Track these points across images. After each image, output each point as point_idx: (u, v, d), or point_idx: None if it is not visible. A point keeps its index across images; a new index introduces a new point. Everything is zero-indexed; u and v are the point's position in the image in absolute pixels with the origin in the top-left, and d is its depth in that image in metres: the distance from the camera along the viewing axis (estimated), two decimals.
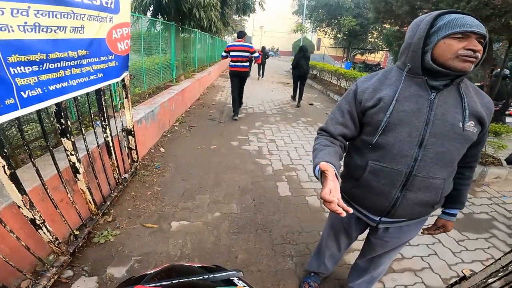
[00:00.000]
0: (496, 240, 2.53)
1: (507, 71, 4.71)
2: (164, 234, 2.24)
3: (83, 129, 2.03)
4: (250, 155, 3.96)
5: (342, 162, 1.26)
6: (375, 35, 20.99)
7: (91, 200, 2.10)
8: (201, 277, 0.57)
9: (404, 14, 5.02)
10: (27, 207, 1.46)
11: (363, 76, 1.20)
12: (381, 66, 19.76)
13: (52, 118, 2.16)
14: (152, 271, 0.64)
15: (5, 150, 1.32)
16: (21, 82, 1.29)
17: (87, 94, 1.96)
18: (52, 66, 1.45)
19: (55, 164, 1.72)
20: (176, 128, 4.84)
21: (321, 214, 2.66)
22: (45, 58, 1.39)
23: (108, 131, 2.31)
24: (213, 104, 6.98)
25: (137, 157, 3.09)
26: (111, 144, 2.39)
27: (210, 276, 0.59)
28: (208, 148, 4.06)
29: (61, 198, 1.88)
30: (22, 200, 1.43)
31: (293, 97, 8.04)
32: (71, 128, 1.82)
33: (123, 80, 2.43)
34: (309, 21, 23.94)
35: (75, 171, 1.91)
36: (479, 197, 3.31)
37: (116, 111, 2.71)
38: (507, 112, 4.87)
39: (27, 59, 1.29)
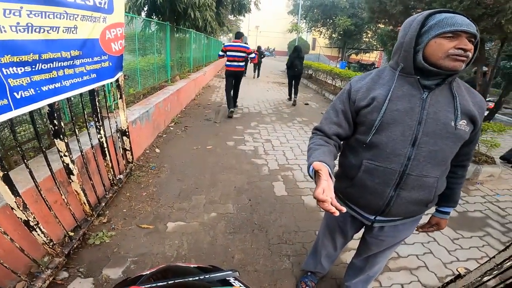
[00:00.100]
0: (490, 239, 2.55)
1: (485, 68, 4.76)
2: (160, 235, 2.23)
3: (76, 130, 2.02)
4: (246, 155, 3.96)
5: (337, 162, 1.27)
6: (369, 35, 21.15)
7: (85, 202, 2.09)
8: (197, 278, 0.57)
9: (398, 14, 5.05)
10: (21, 208, 1.45)
11: (357, 76, 1.21)
12: (376, 66, 19.89)
13: (45, 119, 2.13)
14: (148, 272, 0.64)
15: None
16: (14, 83, 1.27)
17: (81, 94, 1.95)
18: (45, 66, 1.44)
19: (49, 165, 1.71)
20: (171, 128, 4.82)
21: (317, 213, 2.67)
22: (37, 58, 1.38)
23: (102, 132, 2.30)
24: (208, 104, 6.97)
25: (132, 158, 3.07)
26: (105, 145, 2.37)
27: (206, 276, 0.58)
28: (204, 149, 4.06)
29: (55, 199, 1.87)
30: (15, 202, 1.41)
31: (289, 97, 8.15)
32: (65, 129, 1.81)
33: (117, 80, 2.42)
34: (304, 21, 24.04)
35: (69, 172, 1.89)
36: (473, 196, 3.34)
37: (111, 111, 2.69)
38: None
39: (19, 59, 1.28)
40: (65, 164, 1.85)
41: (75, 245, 1.93)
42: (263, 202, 2.81)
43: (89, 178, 2.19)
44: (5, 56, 1.22)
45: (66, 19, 1.54)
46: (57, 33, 1.49)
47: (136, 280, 0.61)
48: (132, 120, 3.22)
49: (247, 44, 6.43)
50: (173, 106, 5.20)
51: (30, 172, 1.55)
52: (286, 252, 2.16)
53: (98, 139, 2.31)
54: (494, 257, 1.23)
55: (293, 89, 7.70)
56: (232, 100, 5.97)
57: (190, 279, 0.57)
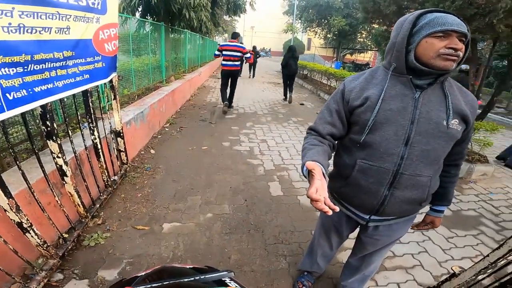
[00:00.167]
0: (484, 237, 2.57)
1: (464, 66, 4.81)
2: (155, 236, 2.22)
3: (69, 131, 2.00)
4: (241, 156, 3.95)
5: (331, 161, 1.27)
6: (364, 35, 21.30)
7: (79, 203, 2.07)
8: (192, 278, 0.58)
9: (392, 14, 5.09)
10: (14, 210, 1.43)
11: (351, 76, 1.21)
12: (370, 66, 20.03)
13: (37, 120, 2.11)
14: (143, 273, 0.64)
15: None
16: (6, 84, 1.26)
17: (74, 95, 1.93)
18: (37, 67, 1.43)
19: (41, 167, 1.70)
20: (166, 129, 4.80)
21: (313, 213, 2.68)
22: (30, 59, 1.37)
23: (96, 133, 2.28)
24: (203, 104, 6.95)
25: (127, 159, 3.06)
26: (99, 146, 2.35)
27: (202, 277, 0.59)
28: (199, 149, 4.04)
29: (49, 201, 1.85)
30: (8, 204, 1.40)
31: (285, 97, 8.25)
32: (57, 130, 1.79)
33: (111, 81, 2.41)
34: (300, 21, 24.12)
35: (62, 174, 1.88)
36: (467, 194, 3.37)
37: (104, 112, 2.67)
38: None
39: (11, 60, 1.27)
40: (58, 165, 1.83)
41: (69, 247, 1.92)
42: (259, 202, 2.81)
43: (83, 180, 2.17)
44: None
45: (59, 19, 1.53)
46: (49, 33, 1.48)
47: (131, 281, 0.61)
48: (126, 121, 3.20)
49: (242, 44, 6.46)
50: (168, 106, 5.18)
51: (23, 174, 1.53)
52: (282, 252, 2.16)
53: (92, 140, 2.30)
54: (488, 255, 1.24)
55: (288, 88, 7.91)
56: (226, 94, 6.12)
57: (185, 280, 0.57)
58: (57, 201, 1.85)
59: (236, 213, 2.61)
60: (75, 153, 2.05)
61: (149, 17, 6.70)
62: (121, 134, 2.84)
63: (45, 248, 1.67)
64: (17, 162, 1.50)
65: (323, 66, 12.43)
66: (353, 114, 1.12)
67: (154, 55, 5.84)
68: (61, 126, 2.41)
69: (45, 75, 1.50)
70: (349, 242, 1.84)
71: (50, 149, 1.77)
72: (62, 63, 1.62)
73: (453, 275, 1.42)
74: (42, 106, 1.60)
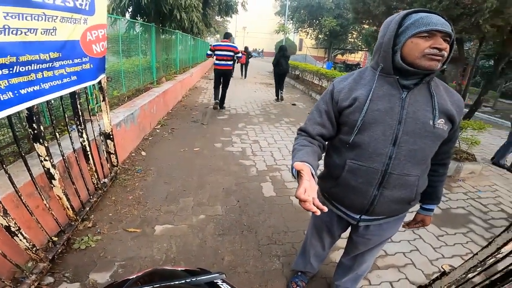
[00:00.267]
0: (474, 235, 2.61)
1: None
2: (147, 238, 2.20)
3: (57, 133, 1.97)
4: (233, 157, 3.95)
5: (322, 162, 1.28)
6: (354, 36, 21.53)
7: (68, 206, 2.04)
8: (183, 281, 0.57)
9: (381, 14, 5.13)
10: (1, 214, 1.41)
11: (340, 77, 1.22)
12: (361, 66, 20.26)
13: (24, 123, 2.08)
14: (134, 276, 0.64)
15: None
16: None
17: (61, 97, 1.90)
18: (23, 69, 1.41)
19: (29, 170, 1.67)
20: (157, 131, 4.76)
21: (305, 213, 2.69)
22: (15, 61, 1.35)
23: (84, 135, 2.25)
24: (195, 106, 6.91)
25: (117, 161, 3.02)
26: (88, 149, 2.32)
27: (193, 279, 0.59)
28: (191, 151, 4.02)
29: (37, 204, 1.82)
30: None
31: (277, 97, 8.35)
32: (44, 133, 1.76)
33: (99, 82, 2.38)
34: (291, 21, 24.26)
35: (50, 177, 1.85)
36: (455, 192, 3.42)
37: (93, 114, 2.64)
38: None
39: None
40: (45, 168, 1.80)
41: (59, 250, 1.89)
42: (252, 203, 2.81)
43: (71, 183, 2.14)
44: None
45: (45, 20, 1.51)
46: (35, 35, 1.46)
47: (122, 284, 0.60)
48: (116, 123, 3.16)
49: (234, 44, 6.53)
50: (159, 108, 5.14)
51: (10, 177, 1.51)
52: (276, 253, 2.16)
53: (81, 142, 2.26)
54: (476, 254, 1.25)
55: (279, 86, 8.13)
56: (219, 93, 6.31)
57: (177, 282, 0.57)
58: (46, 205, 1.82)
59: (229, 214, 2.60)
60: (63, 156, 2.02)
61: (139, 18, 6.64)
62: (111, 136, 2.80)
63: (34, 252, 1.65)
64: (4, 165, 1.47)
65: (315, 67, 12.50)
66: (342, 115, 1.13)
67: (145, 56, 5.79)
68: (49, 128, 2.36)
69: (31, 76, 1.48)
70: (342, 242, 1.84)
71: (37, 152, 1.74)
72: (49, 65, 1.60)
73: (444, 274, 1.43)
74: (29, 108, 1.57)
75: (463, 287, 1.42)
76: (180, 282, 0.57)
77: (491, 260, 1.21)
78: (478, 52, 4.85)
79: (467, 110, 4.56)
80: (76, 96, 2.07)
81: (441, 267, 1.47)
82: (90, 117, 2.53)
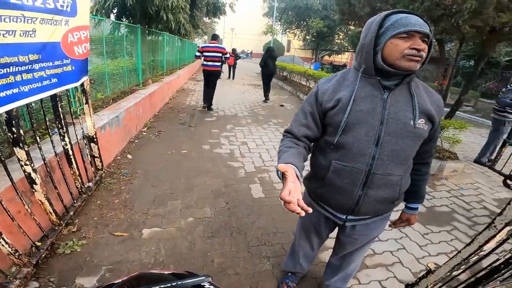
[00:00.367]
0: (458, 232, 2.67)
1: None
2: (135, 242, 2.17)
3: (38, 137, 1.92)
4: (222, 159, 3.94)
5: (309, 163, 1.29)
6: (341, 37, 21.84)
7: (51, 211, 2.00)
8: (169, 284, 0.58)
9: (366, 16, 5.17)
10: None
11: (324, 78, 1.23)
12: (348, 67, 20.56)
13: (3, 127, 2.01)
14: (119, 280, 0.63)
15: None
16: None
17: (41, 100, 1.86)
18: (1, 71, 1.38)
19: (9, 175, 1.62)
20: (144, 133, 4.69)
21: (294, 214, 2.68)
22: None
23: (66, 139, 2.20)
24: (183, 108, 6.84)
25: (102, 165, 2.97)
26: (70, 153, 2.27)
27: (179, 283, 0.59)
28: (179, 153, 3.98)
29: (18, 209, 1.78)
30: None
31: (265, 99, 8.40)
32: (25, 137, 1.71)
33: (82, 85, 2.33)
34: (279, 23, 24.39)
35: (31, 181, 1.80)
36: (439, 191, 3.50)
37: (76, 117, 2.58)
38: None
39: None
40: (26, 173, 1.76)
41: (43, 255, 1.86)
42: (241, 205, 2.81)
43: (54, 187, 2.09)
44: None
45: (24, 22, 1.48)
46: (14, 36, 1.43)
47: None
48: (100, 125, 3.10)
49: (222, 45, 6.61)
50: (145, 110, 5.07)
51: None
52: (266, 254, 2.17)
53: (63, 146, 2.21)
54: (460, 251, 1.27)
55: (266, 87, 8.26)
56: (208, 97, 6.50)
57: (163, 286, 0.57)
58: (27, 210, 1.78)
59: (217, 216, 2.59)
60: (44, 160, 1.97)
61: (124, 19, 6.53)
62: (95, 140, 2.75)
63: (17, 257, 1.62)
64: None
65: (302, 68, 12.62)
66: (326, 116, 1.13)
67: (130, 57, 5.71)
68: (30, 132, 2.30)
69: (9, 79, 1.44)
70: (331, 242, 1.85)
71: (18, 157, 1.69)
72: (28, 67, 1.56)
73: (429, 272, 1.44)
74: (7, 112, 1.53)
75: (450, 285, 1.44)
76: (166, 285, 0.57)
77: (474, 258, 1.23)
78: (458, 53, 4.98)
79: (449, 109, 4.68)
80: (57, 98, 2.03)
81: (427, 265, 1.49)
82: (73, 120, 2.47)
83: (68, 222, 2.24)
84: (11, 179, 1.64)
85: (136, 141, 4.30)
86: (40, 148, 1.93)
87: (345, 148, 1.10)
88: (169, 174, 3.32)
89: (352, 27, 12.01)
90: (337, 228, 1.45)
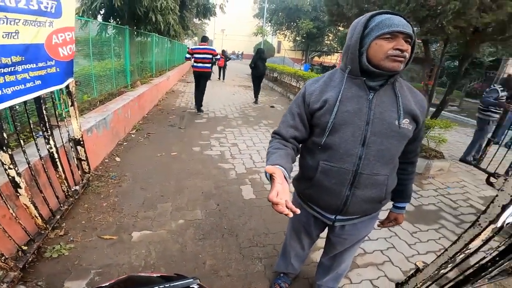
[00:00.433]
0: (445, 231, 2.72)
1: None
2: (125, 245, 2.15)
3: (22, 140, 1.88)
4: (212, 160, 3.92)
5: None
6: (330, 38, 22.05)
7: (37, 215, 1.96)
8: (157, 287, 0.57)
9: (354, 17, 5.19)
10: None
11: (311, 79, 1.23)
12: (337, 68, 20.78)
13: None
14: (107, 283, 0.63)
15: None
16: None
17: (25, 102, 1.82)
18: None
19: None
20: (132, 136, 4.63)
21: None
22: None
23: (51, 142, 2.16)
24: (172, 109, 6.78)
25: (89, 168, 2.92)
26: (56, 156, 2.23)
27: (167, 285, 0.59)
28: (168, 155, 3.95)
29: (3, 214, 1.75)
30: None
31: (255, 100, 8.45)
32: (8, 140, 1.68)
33: (67, 87, 2.29)
34: (270, 24, 24.49)
35: (16, 185, 1.77)
36: (426, 189, 3.56)
37: (61, 120, 2.53)
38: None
39: None
40: (10, 177, 1.72)
41: (29, 259, 1.83)
42: (232, 206, 2.80)
43: (39, 191, 2.05)
44: None
45: (6, 24, 1.46)
46: None
47: None
48: (87, 128, 3.05)
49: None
50: (134, 112, 5.00)
51: None
52: (257, 255, 2.16)
53: (48, 149, 2.17)
54: (446, 250, 1.27)
55: (256, 88, 8.32)
56: (198, 100, 6.57)
57: None
58: (12, 214, 1.75)
59: (209, 218, 2.58)
60: (28, 163, 1.93)
61: (112, 20, 6.44)
62: (81, 142, 2.70)
63: (3, 261, 1.59)
64: None
65: (292, 69, 12.69)
66: (314, 117, 1.14)
67: (119, 59, 5.63)
68: (14, 135, 2.24)
69: None
70: (322, 242, 1.86)
71: (1, 160, 1.66)
72: (11, 69, 1.53)
73: (418, 271, 1.45)
74: None
75: (439, 283, 1.46)
76: None
77: (460, 256, 1.24)
78: (443, 53, 5.08)
79: (435, 109, 4.78)
80: (42, 101, 1.99)
81: (415, 264, 1.50)
82: (58, 122, 2.42)
83: (55, 226, 2.20)
84: None
85: (124, 143, 4.24)
86: (24, 152, 1.89)
87: (332, 149, 1.10)
88: (159, 176, 3.28)
89: (341, 28, 12.13)
90: (327, 228, 1.46)
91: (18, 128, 1.86)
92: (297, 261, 1.75)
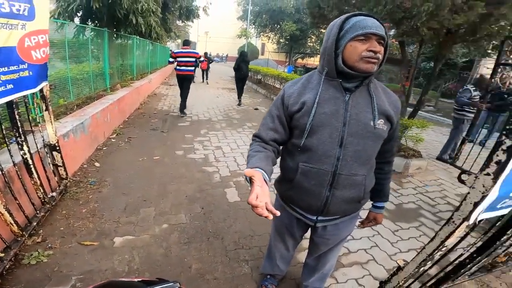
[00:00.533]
0: (425, 228, 2.79)
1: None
2: (107, 251, 2.10)
3: None
4: (196, 164, 3.89)
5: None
6: (313, 40, 22.31)
7: (12, 222, 1.89)
8: None
9: (334, 19, 5.28)
10: None
11: (290, 81, 1.24)
12: (315, 70, 21.07)
13: None
14: None
15: None
16: None
17: None
18: None
19: None
20: (113, 140, 4.51)
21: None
22: None
23: (25, 147, 2.09)
24: (154, 113, 6.66)
25: (66, 174, 2.83)
26: (30, 162, 2.16)
27: None
28: (151, 159, 3.88)
29: None
30: None
31: (239, 102, 8.51)
32: None
33: (41, 91, 2.22)
34: (253, 26, 24.51)
35: None
36: (406, 188, 3.65)
37: (36, 125, 2.44)
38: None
39: None
40: None
41: (7, 266, 1.79)
42: (216, 210, 2.78)
43: (14, 198, 1.98)
44: None
45: None
46: None
47: None
48: (63, 133, 2.96)
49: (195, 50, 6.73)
50: (113, 116, 4.88)
51: None
52: (244, 257, 2.16)
53: (22, 155, 2.09)
54: (424, 248, 1.31)
55: (239, 91, 8.46)
56: (182, 102, 6.57)
57: None
58: None
59: (193, 221, 2.56)
60: (1, 170, 1.85)
61: (90, 23, 6.28)
62: (57, 148, 2.62)
63: None
64: None
65: (276, 71, 12.77)
66: (293, 119, 1.15)
67: (98, 61, 5.48)
68: None
69: None
70: (307, 242, 1.88)
71: None
72: None
73: (399, 269, 1.48)
74: None
75: (421, 280, 1.49)
76: None
77: (438, 254, 1.28)
78: (418, 54, 5.24)
79: (412, 109, 4.93)
80: (14, 105, 1.91)
81: (397, 262, 1.53)
82: (32, 128, 2.33)
83: (31, 233, 2.14)
84: None
85: (104, 148, 4.13)
86: None
87: (311, 150, 1.12)
88: (141, 181, 3.22)
89: (323, 30, 12.32)
90: (310, 229, 1.47)
91: None
92: (283, 262, 1.75)
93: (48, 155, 2.59)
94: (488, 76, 4.29)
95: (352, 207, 1.26)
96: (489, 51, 4.99)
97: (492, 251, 1.40)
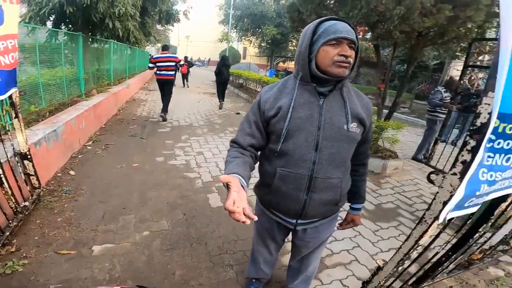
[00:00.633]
0: (404, 227, 2.86)
1: None
2: (85, 260, 2.05)
3: None
4: (177, 170, 3.83)
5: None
6: (294, 44, 22.57)
7: None
8: None
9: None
10: None
11: (267, 86, 1.26)
12: (290, 75, 21.33)
13: None
14: None
15: None
16: None
17: None
18: None
19: None
20: (89, 148, 4.36)
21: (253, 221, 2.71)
22: None
23: None
24: (133, 119, 6.49)
25: (39, 183, 2.71)
26: (0, 172, 2.05)
27: None
28: (129, 167, 3.78)
29: None
30: None
31: (220, 105, 8.53)
32: None
33: (11, 97, 2.12)
34: (235, 30, 24.48)
35: None
36: (384, 188, 3.74)
37: (5, 133, 2.33)
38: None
39: None
40: None
41: None
42: (199, 215, 2.76)
43: None
44: None
45: None
46: None
47: None
48: (35, 141, 2.85)
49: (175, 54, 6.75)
50: (89, 123, 4.73)
51: None
52: (228, 262, 2.15)
53: None
54: (400, 247, 1.33)
55: (221, 95, 8.57)
56: (164, 105, 6.52)
57: None
58: None
59: (175, 228, 2.52)
60: None
61: (64, 27, 6.06)
62: (28, 156, 2.52)
63: None
64: None
65: (258, 75, 12.83)
66: (269, 124, 1.16)
67: (72, 66, 5.29)
68: None
69: None
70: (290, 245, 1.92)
71: None
72: None
73: (379, 268, 1.50)
74: None
75: (402, 279, 1.52)
76: None
77: (414, 252, 1.30)
78: (393, 57, 5.41)
79: (387, 111, 5.10)
80: None
81: (376, 262, 1.56)
82: (1, 136, 2.22)
83: (4, 243, 2.08)
84: None
85: (79, 156, 3.99)
86: None
87: (288, 155, 1.13)
88: (120, 189, 3.14)
89: None
90: (291, 232, 1.48)
91: None
92: (267, 266, 1.75)
93: (19, 164, 2.48)
94: (458, 78, 4.46)
95: (330, 209, 1.28)
96: (458, 53, 5.18)
97: (466, 249, 1.45)
